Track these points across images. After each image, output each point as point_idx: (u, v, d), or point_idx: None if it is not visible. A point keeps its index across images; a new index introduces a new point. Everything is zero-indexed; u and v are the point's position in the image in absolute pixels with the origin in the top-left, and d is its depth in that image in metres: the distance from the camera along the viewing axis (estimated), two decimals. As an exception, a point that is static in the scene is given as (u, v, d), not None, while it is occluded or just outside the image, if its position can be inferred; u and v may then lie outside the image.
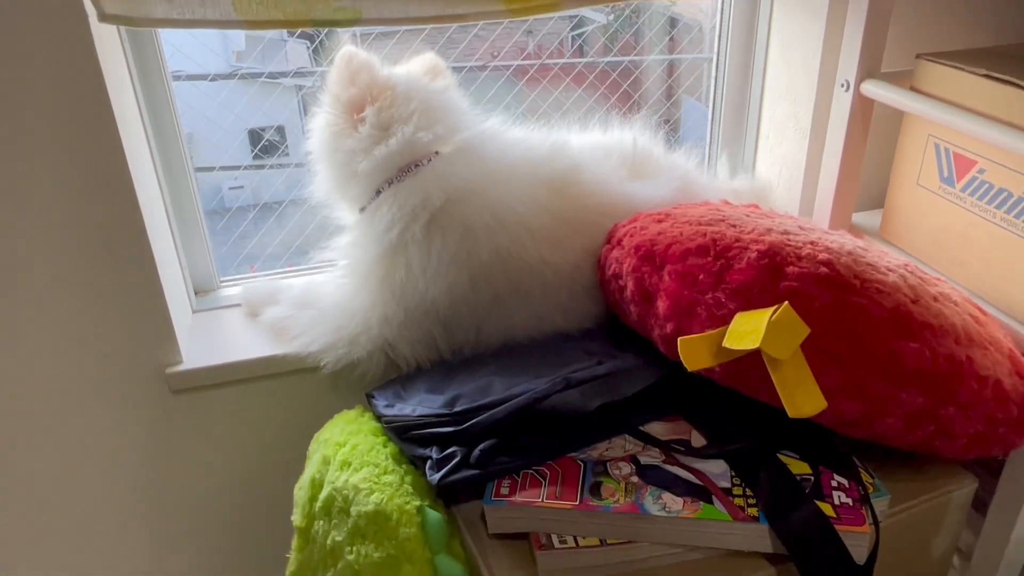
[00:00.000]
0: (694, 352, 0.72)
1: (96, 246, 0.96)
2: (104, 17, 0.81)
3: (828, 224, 1.08)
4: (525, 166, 1.01)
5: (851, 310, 0.70)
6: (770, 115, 1.26)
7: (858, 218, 1.10)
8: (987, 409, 0.72)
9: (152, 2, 0.80)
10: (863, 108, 1.00)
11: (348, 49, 0.98)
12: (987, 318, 0.83)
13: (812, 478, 0.77)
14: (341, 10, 0.85)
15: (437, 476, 0.81)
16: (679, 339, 0.73)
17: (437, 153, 0.99)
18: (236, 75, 1.31)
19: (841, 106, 1.01)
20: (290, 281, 1.18)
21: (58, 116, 0.88)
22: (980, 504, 0.89)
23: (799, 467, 0.78)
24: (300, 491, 0.91)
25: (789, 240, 0.77)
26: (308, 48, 1.30)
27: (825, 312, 0.70)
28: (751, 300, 0.72)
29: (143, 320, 1.02)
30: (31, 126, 0.88)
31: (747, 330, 0.68)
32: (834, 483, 0.77)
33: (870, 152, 1.12)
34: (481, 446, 0.81)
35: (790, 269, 0.72)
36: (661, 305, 0.79)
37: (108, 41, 0.93)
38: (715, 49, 1.30)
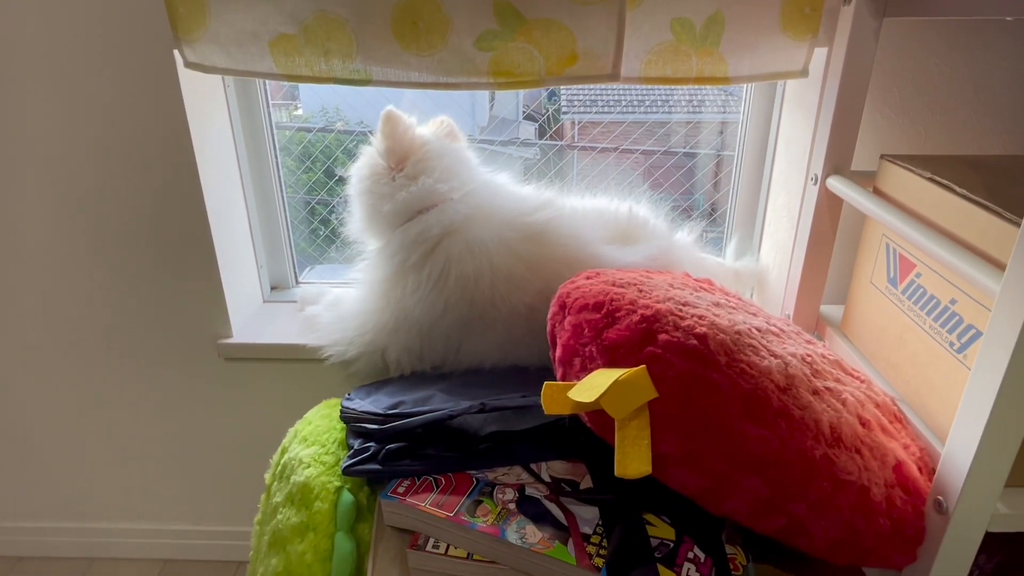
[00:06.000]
0: (554, 398, 0.63)
1: (174, 248, 1.06)
2: (188, 64, 0.89)
3: (794, 312, 0.92)
4: (510, 212, 0.96)
5: (704, 384, 0.58)
6: (773, 204, 1.11)
7: (828, 310, 0.92)
8: (844, 515, 0.56)
9: (216, 56, 0.86)
10: (830, 202, 0.84)
11: (391, 110, 0.96)
12: (896, 426, 0.66)
13: (671, 544, 0.65)
14: (356, 72, 0.86)
15: (346, 464, 0.77)
16: (544, 383, 0.64)
17: (452, 200, 0.97)
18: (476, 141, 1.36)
19: (809, 199, 0.86)
20: (335, 289, 1.20)
21: (151, 149, 0.98)
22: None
23: (665, 531, 0.66)
24: (276, 455, 0.91)
25: (679, 311, 0.65)
26: (535, 127, 1.32)
27: (679, 381, 0.58)
28: (618, 359, 0.62)
29: (206, 301, 1.09)
30: (136, 150, 0.98)
31: (594, 385, 0.58)
32: (691, 555, 0.64)
33: (848, 246, 0.95)
34: (389, 447, 0.77)
35: (661, 336, 0.61)
36: (557, 351, 0.71)
37: (211, 87, 1.02)
38: (738, 141, 1.17)
